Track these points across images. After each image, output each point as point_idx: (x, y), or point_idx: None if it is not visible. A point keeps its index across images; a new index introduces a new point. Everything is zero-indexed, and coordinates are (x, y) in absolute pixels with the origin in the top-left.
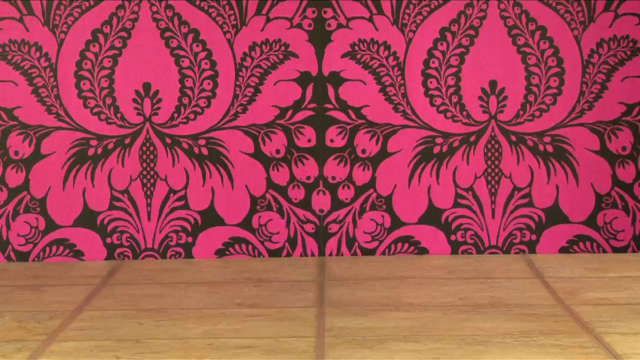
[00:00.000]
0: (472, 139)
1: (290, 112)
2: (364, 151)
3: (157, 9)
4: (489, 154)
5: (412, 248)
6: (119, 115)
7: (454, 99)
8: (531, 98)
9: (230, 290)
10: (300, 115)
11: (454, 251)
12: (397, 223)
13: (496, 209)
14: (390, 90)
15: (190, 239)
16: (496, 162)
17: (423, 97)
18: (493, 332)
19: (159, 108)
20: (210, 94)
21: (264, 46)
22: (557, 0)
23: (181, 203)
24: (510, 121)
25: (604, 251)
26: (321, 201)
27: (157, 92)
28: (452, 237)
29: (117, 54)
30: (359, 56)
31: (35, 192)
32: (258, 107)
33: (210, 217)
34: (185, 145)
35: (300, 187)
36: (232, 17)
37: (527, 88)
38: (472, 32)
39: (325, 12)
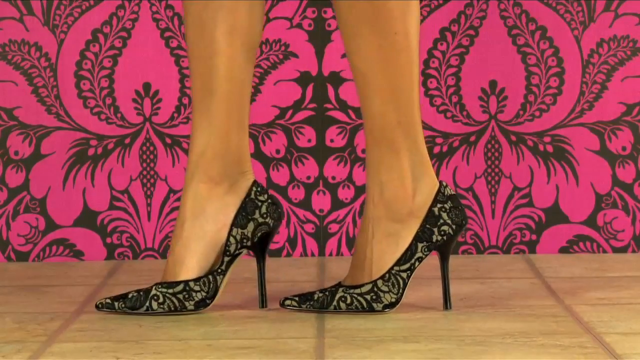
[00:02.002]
0: (472, 139)
1: (290, 112)
2: (364, 151)
3: (157, 9)
4: (489, 154)
5: None
6: (119, 115)
7: (454, 99)
8: (531, 98)
9: (230, 291)
10: (300, 115)
11: (454, 251)
12: None
13: (496, 209)
14: None
15: None
16: (496, 162)
17: (423, 97)
18: (493, 332)
19: (159, 108)
20: None
21: (264, 46)
22: (557, 0)
23: None
24: (510, 121)
25: (604, 251)
26: (321, 201)
27: (157, 92)
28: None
29: (117, 54)
30: None
31: (35, 192)
32: (258, 107)
33: None
34: (185, 145)
35: (300, 187)
36: None
37: (527, 88)
38: (472, 32)
39: (325, 12)
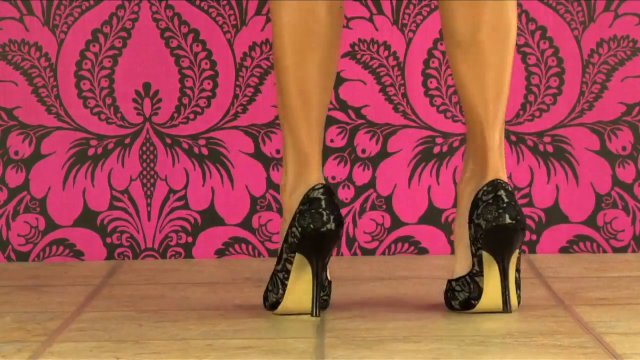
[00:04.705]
0: None
1: None
2: (364, 151)
3: (157, 9)
4: None
5: (412, 248)
6: (119, 115)
7: (454, 99)
8: (531, 98)
9: (230, 291)
10: None
11: (454, 251)
12: (397, 223)
13: None
14: (390, 90)
15: (190, 239)
16: None
17: (423, 97)
18: (493, 332)
19: (159, 108)
20: (210, 94)
21: (263, 46)
22: (557, 0)
23: (181, 203)
24: (510, 121)
25: (604, 251)
26: None
27: (157, 92)
28: (452, 237)
29: (117, 54)
30: (359, 56)
31: (35, 192)
32: (258, 107)
33: (210, 217)
34: (185, 145)
35: None
36: (232, 17)
37: (527, 88)
38: None
39: None
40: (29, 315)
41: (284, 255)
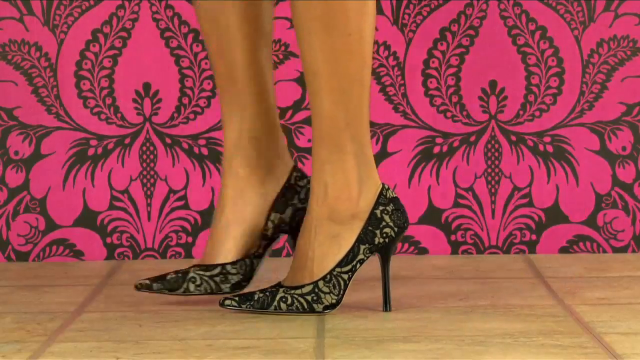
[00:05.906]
0: (472, 139)
1: (290, 112)
2: None
3: (157, 9)
4: (489, 154)
5: (412, 248)
6: (119, 115)
7: (454, 99)
8: (531, 98)
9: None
10: (300, 115)
11: (454, 251)
12: None
13: (496, 209)
14: (390, 90)
15: (190, 239)
16: (496, 162)
17: (423, 97)
18: (493, 332)
19: (158, 108)
20: (210, 94)
21: None
22: (557, 0)
23: (181, 203)
24: (510, 121)
25: (604, 251)
26: None
27: (157, 92)
28: (452, 237)
29: (117, 54)
30: None
31: (35, 192)
32: None
33: (210, 217)
34: (185, 145)
35: None
36: None
37: (527, 88)
38: (472, 32)
39: None
40: (29, 315)
41: (360, 257)
